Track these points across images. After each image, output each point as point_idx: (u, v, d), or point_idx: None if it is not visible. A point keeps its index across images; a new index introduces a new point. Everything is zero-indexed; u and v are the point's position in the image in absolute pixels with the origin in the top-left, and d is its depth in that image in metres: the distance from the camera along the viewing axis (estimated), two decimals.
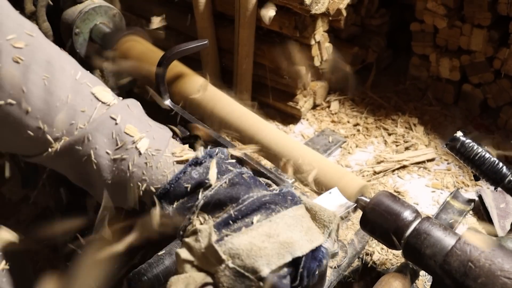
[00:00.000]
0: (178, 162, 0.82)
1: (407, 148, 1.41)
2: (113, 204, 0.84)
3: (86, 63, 1.37)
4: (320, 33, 1.40)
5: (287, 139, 1.06)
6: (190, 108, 1.20)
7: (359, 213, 0.89)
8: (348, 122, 1.50)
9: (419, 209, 1.24)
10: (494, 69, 1.42)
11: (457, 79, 1.49)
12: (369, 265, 1.15)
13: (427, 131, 1.46)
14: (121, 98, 0.87)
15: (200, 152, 0.81)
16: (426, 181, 1.33)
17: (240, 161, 0.91)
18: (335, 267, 1.03)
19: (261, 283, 0.67)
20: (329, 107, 1.55)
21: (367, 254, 1.16)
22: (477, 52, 1.42)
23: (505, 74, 1.40)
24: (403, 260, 1.14)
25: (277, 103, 1.51)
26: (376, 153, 1.40)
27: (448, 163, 1.37)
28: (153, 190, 0.80)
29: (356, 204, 0.88)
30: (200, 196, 0.76)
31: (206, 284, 0.71)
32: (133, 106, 0.86)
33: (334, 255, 0.98)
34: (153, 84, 1.22)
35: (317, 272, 0.75)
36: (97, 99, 0.81)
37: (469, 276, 0.75)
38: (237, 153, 0.89)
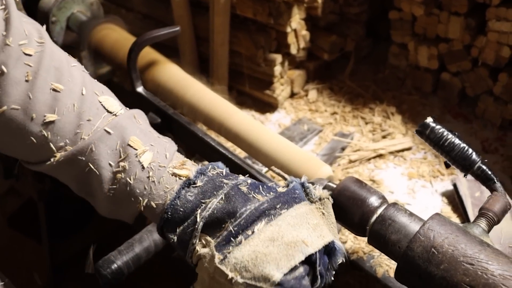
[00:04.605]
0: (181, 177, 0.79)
1: (384, 137, 1.40)
2: (111, 217, 0.83)
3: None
4: (297, 20, 1.39)
5: (256, 125, 1.06)
6: (162, 95, 1.19)
7: None
8: (326, 110, 1.49)
9: (394, 198, 1.24)
10: (471, 57, 1.41)
11: (435, 68, 1.48)
12: None
13: (405, 120, 1.45)
14: (127, 108, 0.85)
15: (191, 172, 0.79)
16: (402, 170, 1.32)
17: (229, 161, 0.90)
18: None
19: None
20: (307, 95, 1.54)
21: None
22: (454, 40, 1.41)
23: (483, 62, 1.39)
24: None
25: (254, 91, 1.50)
26: (352, 142, 1.39)
27: (425, 152, 1.37)
28: (154, 206, 0.78)
29: None
30: (198, 218, 0.73)
31: None
32: (140, 117, 0.84)
33: None
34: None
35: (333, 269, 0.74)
36: (104, 108, 0.80)
37: (432, 262, 0.75)
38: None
